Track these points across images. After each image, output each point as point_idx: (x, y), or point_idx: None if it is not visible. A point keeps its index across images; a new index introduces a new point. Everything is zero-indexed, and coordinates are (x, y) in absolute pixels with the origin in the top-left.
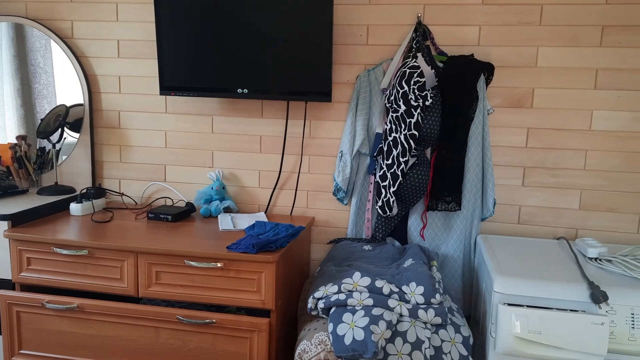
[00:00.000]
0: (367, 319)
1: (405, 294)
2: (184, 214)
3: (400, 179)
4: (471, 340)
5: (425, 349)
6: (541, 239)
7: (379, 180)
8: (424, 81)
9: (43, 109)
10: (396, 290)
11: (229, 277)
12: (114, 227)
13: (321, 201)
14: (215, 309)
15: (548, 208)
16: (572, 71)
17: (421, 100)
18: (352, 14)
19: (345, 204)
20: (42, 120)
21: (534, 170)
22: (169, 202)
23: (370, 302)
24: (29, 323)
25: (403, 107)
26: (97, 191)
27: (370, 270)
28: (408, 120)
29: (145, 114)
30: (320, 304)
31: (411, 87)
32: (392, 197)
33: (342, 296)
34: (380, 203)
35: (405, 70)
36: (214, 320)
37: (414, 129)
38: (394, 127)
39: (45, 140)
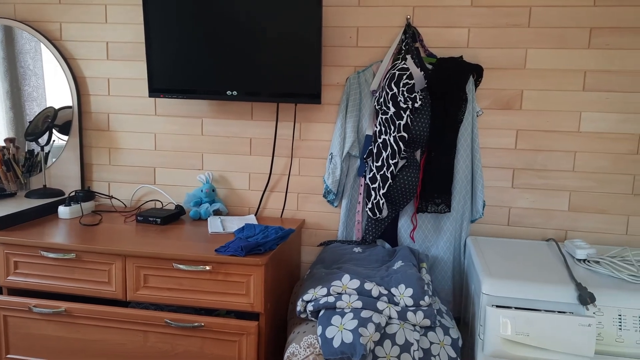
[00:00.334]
0: (355, 322)
1: (394, 296)
2: (173, 216)
3: (390, 181)
4: (460, 342)
5: (414, 351)
6: (530, 241)
7: (369, 183)
8: (413, 83)
9: (33, 111)
10: (385, 292)
11: (218, 281)
12: (102, 230)
13: (311, 203)
14: (204, 312)
15: (537, 209)
16: (560, 73)
17: (410, 102)
18: (341, 16)
19: (336, 206)
20: (30, 122)
21: (523, 171)
22: (158, 205)
23: (359, 304)
24: (16, 327)
25: (392, 109)
26: (85, 194)
27: (359, 272)
28: (397, 122)
29: (134, 116)
30: (309, 307)
31: (400, 89)
32: (382, 199)
33: (331, 299)
34: (370, 205)
35: (395, 72)
36: (203, 324)
37: (404, 131)
38: (383, 129)
39: (34, 142)
